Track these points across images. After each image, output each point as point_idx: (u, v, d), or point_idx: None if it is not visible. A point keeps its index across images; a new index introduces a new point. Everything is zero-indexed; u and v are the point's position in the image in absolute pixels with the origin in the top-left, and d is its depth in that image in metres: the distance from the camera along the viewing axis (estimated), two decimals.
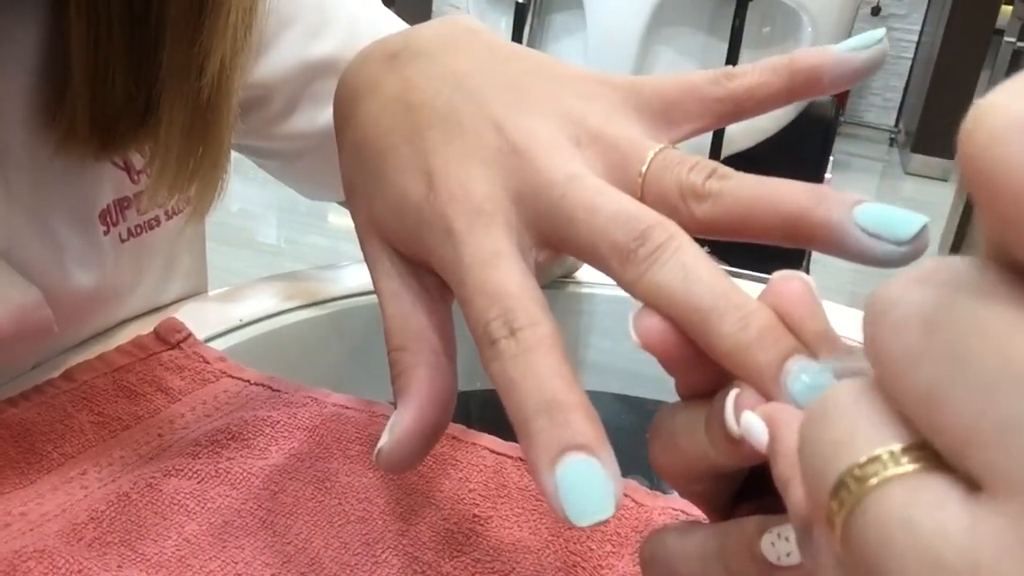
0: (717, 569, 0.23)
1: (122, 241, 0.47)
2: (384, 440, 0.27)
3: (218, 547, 0.33)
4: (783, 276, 0.23)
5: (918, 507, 0.13)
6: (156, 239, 0.50)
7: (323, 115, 0.52)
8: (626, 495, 0.38)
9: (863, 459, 0.14)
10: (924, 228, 0.23)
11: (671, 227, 0.24)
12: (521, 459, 0.40)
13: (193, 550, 0.33)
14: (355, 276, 0.58)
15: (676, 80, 0.29)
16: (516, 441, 0.40)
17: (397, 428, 0.27)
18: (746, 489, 0.26)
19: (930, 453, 0.13)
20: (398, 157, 0.29)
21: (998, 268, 0.13)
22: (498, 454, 0.40)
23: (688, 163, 0.26)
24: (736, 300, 0.22)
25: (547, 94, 0.29)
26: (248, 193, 2.87)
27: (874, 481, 0.13)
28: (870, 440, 0.14)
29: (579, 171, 0.26)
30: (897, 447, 0.13)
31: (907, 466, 0.13)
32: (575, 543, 0.35)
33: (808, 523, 0.17)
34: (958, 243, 2.50)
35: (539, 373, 0.23)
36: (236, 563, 0.33)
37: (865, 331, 0.15)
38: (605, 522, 0.21)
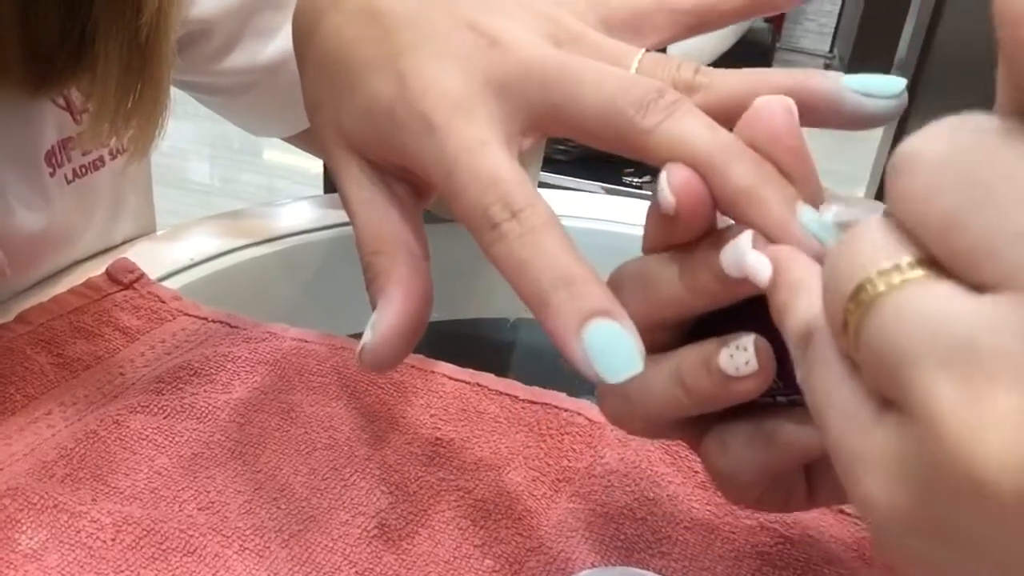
0: (674, 388, 0.25)
1: (68, 182, 0.47)
2: (367, 338, 0.28)
3: (189, 478, 0.35)
4: (766, 103, 0.24)
5: (930, 298, 0.15)
6: (101, 180, 0.49)
7: (266, 49, 0.52)
8: (579, 413, 0.40)
9: (884, 265, 0.16)
10: (906, 86, 0.25)
11: (674, 92, 0.25)
12: (479, 384, 0.41)
13: (165, 481, 0.34)
14: (301, 213, 0.58)
15: None
16: (472, 368, 0.42)
17: (379, 325, 0.28)
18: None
19: (939, 268, 0.15)
20: (366, 62, 0.29)
21: (1014, 117, 0.15)
22: (456, 380, 0.42)
23: (674, 62, 0.27)
24: (744, 146, 0.24)
25: (518, 0, 0.29)
26: (179, 130, 2.79)
27: (895, 279, 0.16)
28: (890, 254, 0.16)
29: (568, 54, 0.27)
30: (912, 259, 0.16)
31: (919, 272, 0.16)
32: (533, 460, 0.37)
33: (806, 338, 0.20)
34: None
35: (548, 250, 0.24)
36: (208, 492, 0.34)
37: (889, 178, 0.17)
38: (636, 378, 0.23)
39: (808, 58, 4.39)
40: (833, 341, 0.18)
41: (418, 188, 0.31)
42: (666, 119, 0.24)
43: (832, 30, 4.37)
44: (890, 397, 0.16)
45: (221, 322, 0.45)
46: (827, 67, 4.37)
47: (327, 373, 0.41)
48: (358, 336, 0.45)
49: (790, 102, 0.24)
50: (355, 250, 0.51)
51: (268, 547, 0.32)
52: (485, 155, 0.25)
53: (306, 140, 0.58)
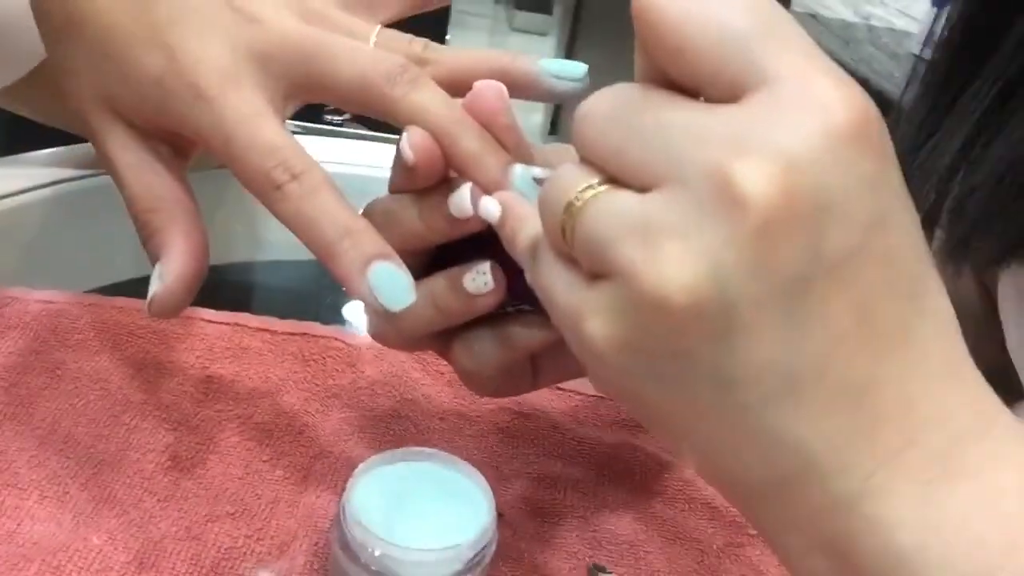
0: (429, 308, 0.31)
1: None
2: (155, 289, 0.31)
3: None
4: (485, 87, 0.30)
5: (614, 201, 0.22)
6: None
7: None
8: (335, 338, 0.45)
9: (581, 187, 0.23)
10: (587, 70, 0.33)
11: (415, 67, 0.31)
12: (238, 324, 0.45)
13: None
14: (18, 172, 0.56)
15: None
16: (226, 310, 0.45)
17: (166, 276, 0.31)
18: (433, 266, 0.33)
19: (616, 183, 0.22)
20: (127, 34, 0.31)
21: (651, 83, 0.23)
22: (216, 323, 0.45)
23: (407, 37, 0.33)
24: (471, 119, 0.30)
25: None
26: None
27: (589, 194, 0.23)
28: (583, 180, 0.23)
29: (319, 30, 0.32)
30: (598, 180, 0.23)
31: (604, 188, 0.23)
32: (302, 383, 0.42)
33: (532, 251, 0.26)
34: None
35: (329, 207, 0.29)
36: None
37: (574, 127, 0.24)
38: (409, 307, 0.29)
39: None
40: (552, 248, 0.25)
41: (180, 148, 0.34)
42: (411, 91, 0.30)
43: None
44: (599, 272, 0.22)
45: None
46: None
47: (83, 330, 0.43)
48: (93, 292, 0.46)
49: (501, 87, 0.30)
50: (74, 208, 0.52)
51: (67, 492, 0.34)
52: (260, 125, 0.30)
53: (17, 99, 0.55)
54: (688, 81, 0.22)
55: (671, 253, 0.20)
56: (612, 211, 0.22)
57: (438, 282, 0.31)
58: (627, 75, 0.24)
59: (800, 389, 0.21)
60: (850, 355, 0.21)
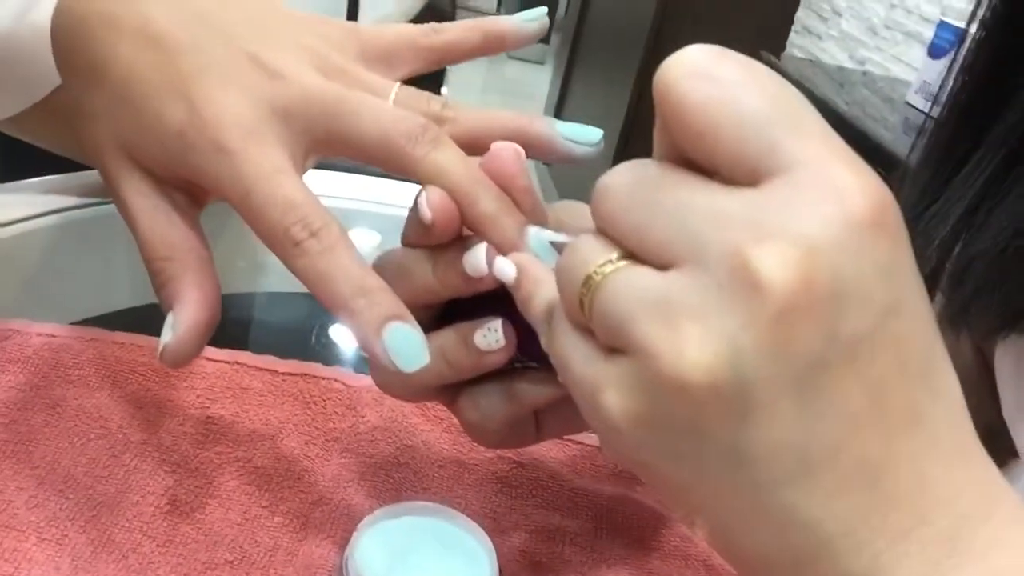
0: (439, 362, 0.31)
1: None
2: (167, 338, 0.31)
3: None
4: (503, 148, 0.31)
5: (634, 277, 0.22)
6: None
7: None
8: (336, 380, 0.45)
9: (600, 261, 0.23)
10: (602, 136, 0.33)
11: (436, 126, 0.31)
12: (239, 363, 0.45)
13: None
14: (19, 200, 0.56)
15: (394, 31, 0.36)
16: (227, 348, 0.45)
17: (179, 326, 0.31)
18: (442, 322, 0.34)
19: (635, 258, 0.23)
20: (149, 85, 0.31)
21: (671, 161, 0.23)
22: (216, 361, 0.45)
23: (425, 96, 0.33)
24: (489, 180, 0.30)
25: (286, 32, 0.33)
26: None
27: (608, 269, 0.23)
28: (602, 254, 0.23)
29: (340, 86, 0.32)
30: (617, 255, 0.23)
31: (624, 263, 0.23)
32: (302, 426, 0.42)
33: (547, 317, 0.26)
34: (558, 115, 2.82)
35: (345, 265, 0.29)
36: None
37: (593, 202, 0.24)
38: (424, 368, 0.29)
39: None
40: (568, 318, 0.25)
41: (195, 196, 0.34)
42: (431, 151, 0.30)
43: None
44: (616, 345, 0.23)
45: None
46: None
47: (84, 366, 0.42)
48: (91, 320, 0.46)
49: (519, 149, 0.31)
50: (74, 236, 0.52)
51: (66, 535, 0.34)
52: (280, 181, 0.30)
53: (26, 125, 0.56)
54: (707, 163, 0.22)
55: (691, 334, 0.21)
56: (631, 287, 0.22)
57: (448, 337, 0.32)
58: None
59: (815, 469, 0.21)
60: (864, 436, 0.21)
